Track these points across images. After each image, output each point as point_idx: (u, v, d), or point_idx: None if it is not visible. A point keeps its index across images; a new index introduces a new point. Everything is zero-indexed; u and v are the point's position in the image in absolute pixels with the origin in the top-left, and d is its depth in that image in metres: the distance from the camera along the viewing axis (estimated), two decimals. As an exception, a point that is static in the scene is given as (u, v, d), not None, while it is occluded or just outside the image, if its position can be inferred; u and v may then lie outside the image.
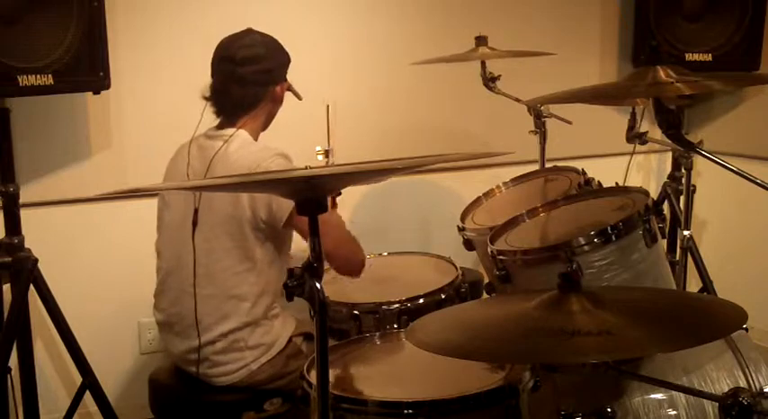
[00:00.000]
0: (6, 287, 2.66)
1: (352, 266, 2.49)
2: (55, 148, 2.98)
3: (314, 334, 2.49)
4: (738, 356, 1.90)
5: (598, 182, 2.57)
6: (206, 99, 2.48)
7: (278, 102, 2.54)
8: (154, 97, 3.07)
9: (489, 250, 2.25)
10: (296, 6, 3.25)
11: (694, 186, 2.73)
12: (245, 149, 2.41)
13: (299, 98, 2.61)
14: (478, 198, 2.85)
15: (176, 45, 3.06)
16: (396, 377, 1.99)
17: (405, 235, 3.54)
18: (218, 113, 2.48)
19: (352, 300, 2.45)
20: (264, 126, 2.55)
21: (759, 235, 3.76)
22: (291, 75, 2.58)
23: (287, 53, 2.53)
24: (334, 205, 2.36)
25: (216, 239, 2.38)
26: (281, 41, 2.52)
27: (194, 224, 2.39)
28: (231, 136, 2.42)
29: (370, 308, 2.42)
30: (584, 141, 3.49)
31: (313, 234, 1.45)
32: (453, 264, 2.72)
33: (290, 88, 2.57)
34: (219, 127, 2.48)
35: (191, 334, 2.41)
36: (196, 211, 2.39)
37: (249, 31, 2.50)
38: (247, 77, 2.43)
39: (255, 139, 2.49)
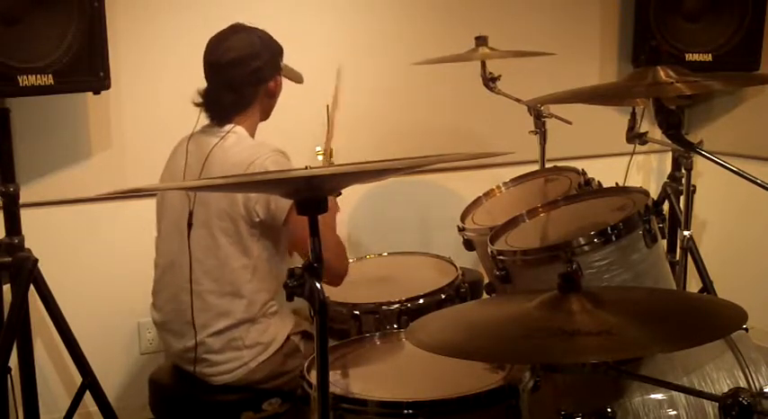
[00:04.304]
0: (6, 287, 2.65)
1: (338, 273, 2.41)
2: (55, 148, 2.98)
3: (312, 334, 2.51)
4: (738, 356, 1.90)
5: (598, 182, 2.57)
6: (197, 105, 2.46)
7: (274, 95, 2.52)
8: (154, 97, 3.07)
9: (489, 250, 2.25)
10: (296, 6, 3.25)
11: (694, 186, 2.73)
12: (241, 145, 2.41)
13: (299, 81, 2.58)
14: (478, 198, 2.85)
15: (176, 45, 3.05)
16: (396, 377, 1.99)
17: (405, 235, 3.54)
18: (211, 118, 2.47)
19: (352, 300, 2.45)
20: (263, 118, 2.54)
21: (759, 235, 3.76)
22: (291, 67, 2.57)
23: (277, 44, 2.49)
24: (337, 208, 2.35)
25: (212, 236, 2.38)
26: (280, 42, 2.51)
27: (190, 221, 2.39)
28: (228, 132, 2.42)
29: (370, 308, 2.42)
30: (584, 141, 3.49)
31: (313, 234, 1.45)
32: (453, 264, 2.72)
33: (286, 75, 2.54)
34: (216, 124, 2.47)
35: (187, 333, 2.41)
36: (191, 209, 2.39)
37: (235, 29, 2.46)
38: (238, 80, 2.41)
39: (252, 134, 2.49)
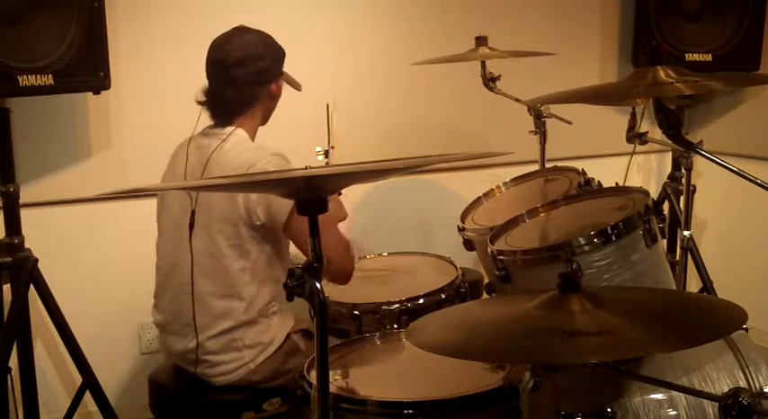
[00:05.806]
0: (6, 287, 2.66)
1: (343, 272, 2.42)
2: (55, 148, 2.98)
3: (312, 332, 2.51)
4: (738, 356, 1.90)
5: (598, 182, 2.57)
6: (200, 103, 2.46)
7: (275, 98, 2.53)
8: (154, 97, 3.08)
9: (489, 250, 2.25)
10: (296, 7, 3.25)
11: (694, 186, 2.73)
12: (241, 148, 2.40)
13: (298, 88, 2.59)
14: (478, 198, 2.85)
15: (176, 45, 3.06)
16: (396, 377, 1.99)
17: (405, 235, 3.54)
18: (213, 116, 2.47)
19: (352, 300, 2.45)
20: (263, 122, 2.54)
21: (759, 235, 3.76)
22: (291, 75, 2.57)
23: (281, 48, 2.50)
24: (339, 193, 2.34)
25: (212, 238, 2.37)
26: (280, 42, 2.51)
27: (191, 223, 2.39)
28: (228, 134, 2.42)
29: (370, 308, 2.41)
30: (585, 141, 3.49)
31: (313, 234, 1.45)
32: (453, 264, 2.72)
33: (287, 81, 2.55)
34: (216, 125, 2.47)
35: (188, 334, 2.41)
36: (193, 211, 2.39)
37: (240, 30, 2.47)
38: (241, 79, 2.41)
39: (253, 137, 2.48)
